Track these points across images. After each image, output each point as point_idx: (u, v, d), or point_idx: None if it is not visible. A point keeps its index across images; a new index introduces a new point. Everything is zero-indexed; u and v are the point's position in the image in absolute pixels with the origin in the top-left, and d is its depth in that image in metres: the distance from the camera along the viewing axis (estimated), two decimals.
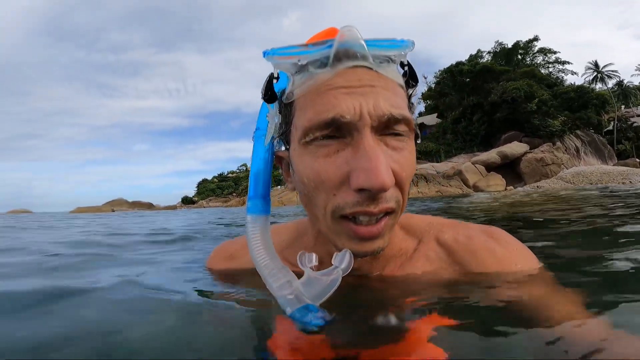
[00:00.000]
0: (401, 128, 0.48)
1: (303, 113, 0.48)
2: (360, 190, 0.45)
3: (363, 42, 0.47)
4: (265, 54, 0.51)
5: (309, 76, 0.48)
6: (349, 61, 0.46)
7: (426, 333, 0.50)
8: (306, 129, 0.47)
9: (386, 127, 0.47)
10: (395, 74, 0.50)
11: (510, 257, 0.60)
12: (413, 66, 0.52)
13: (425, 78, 33.80)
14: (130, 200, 38.03)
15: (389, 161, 0.46)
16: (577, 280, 0.73)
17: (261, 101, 0.57)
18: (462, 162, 21.48)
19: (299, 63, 0.48)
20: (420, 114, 35.29)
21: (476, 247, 0.61)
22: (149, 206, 37.27)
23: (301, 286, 0.48)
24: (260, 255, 0.52)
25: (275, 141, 0.57)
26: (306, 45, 0.49)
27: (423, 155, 25.75)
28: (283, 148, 0.56)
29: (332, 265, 0.49)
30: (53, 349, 0.46)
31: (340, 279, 0.47)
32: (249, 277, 0.67)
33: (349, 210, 0.46)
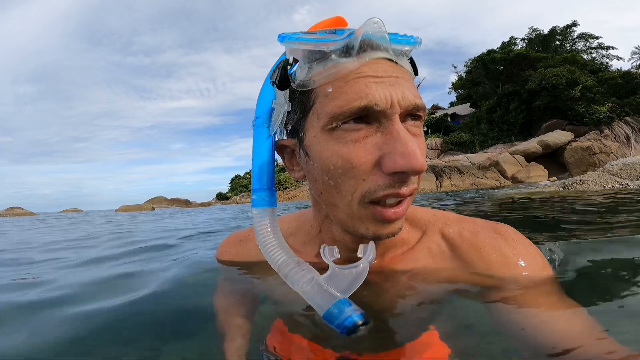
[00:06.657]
0: (421, 113, 0.50)
1: (330, 100, 0.47)
2: (394, 173, 0.45)
3: (387, 35, 0.48)
4: (282, 38, 0.50)
5: (332, 64, 0.47)
6: (373, 52, 0.47)
7: (425, 332, 0.52)
8: (335, 115, 0.47)
9: (408, 115, 0.49)
10: (409, 66, 0.52)
11: (517, 255, 0.57)
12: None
13: (455, 67, 32.74)
14: (169, 197, 39.80)
15: None
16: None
17: (259, 88, 0.58)
18: (499, 152, 20.68)
19: (327, 50, 0.47)
20: (452, 104, 34.45)
21: (481, 244, 0.59)
22: (186, 203, 38.46)
23: (326, 281, 0.48)
24: (276, 252, 0.52)
25: (278, 130, 0.57)
26: (327, 32, 0.49)
27: (456, 146, 24.92)
28: (285, 137, 0.57)
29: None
30: None
31: (367, 272, 0.48)
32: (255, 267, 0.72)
33: (382, 193, 0.47)
